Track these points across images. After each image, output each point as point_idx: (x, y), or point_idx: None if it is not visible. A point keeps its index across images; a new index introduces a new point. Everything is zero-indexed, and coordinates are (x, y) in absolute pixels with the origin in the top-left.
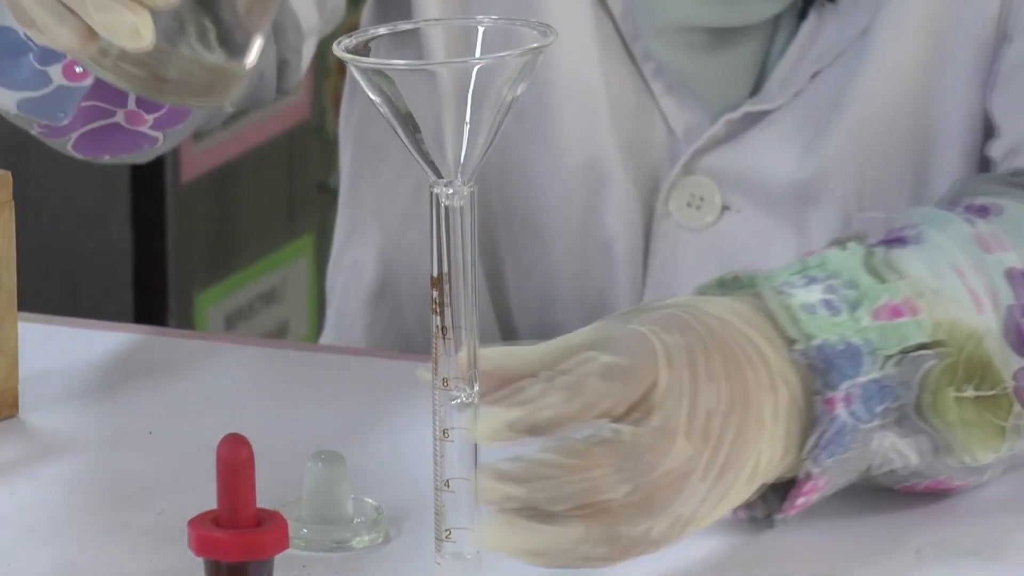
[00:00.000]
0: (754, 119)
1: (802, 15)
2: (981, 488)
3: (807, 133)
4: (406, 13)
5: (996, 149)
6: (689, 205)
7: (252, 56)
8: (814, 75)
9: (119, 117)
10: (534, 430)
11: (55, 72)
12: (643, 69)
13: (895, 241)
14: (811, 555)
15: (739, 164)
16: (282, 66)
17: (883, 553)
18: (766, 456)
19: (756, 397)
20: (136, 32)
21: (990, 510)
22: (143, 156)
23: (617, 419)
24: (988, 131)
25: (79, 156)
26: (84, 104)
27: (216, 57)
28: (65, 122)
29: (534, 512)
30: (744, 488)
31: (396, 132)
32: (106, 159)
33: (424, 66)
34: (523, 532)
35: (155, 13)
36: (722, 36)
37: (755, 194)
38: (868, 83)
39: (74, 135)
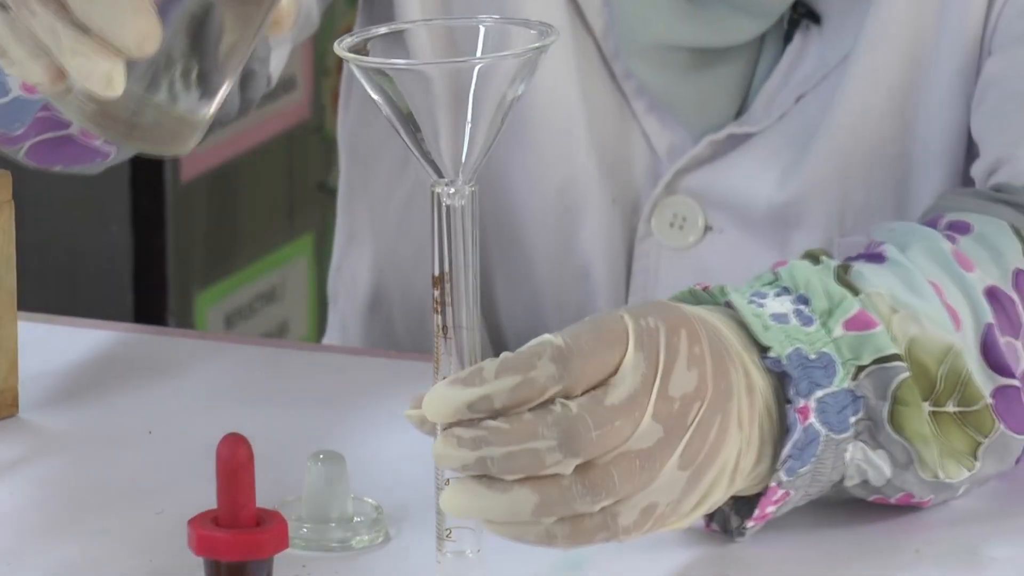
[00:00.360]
0: (737, 140)
1: (787, 38)
2: (979, 489)
3: (789, 156)
4: (389, 15)
5: (977, 169)
6: (672, 225)
7: (216, 105)
8: (799, 98)
9: (73, 129)
10: (491, 412)
11: (13, 83)
12: (624, 88)
13: (872, 257)
14: (811, 556)
15: (721, 185)
16: (247, 77)
17: (883, 553)
18: (745, 460)
19: (737, 395)
20: (108, 81)
21: (988, 510)
22: (94, 168)
23: (575, 399)
24: (970, 153)
25: (31, 165)
26: (39, 115)
27: (186, 103)
28: (20, 132)
29: (493, 481)
30: (724, 490)
31: (397, 131)
32: (57, 169)
33: (425, 65)
34: (479, 497)
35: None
36: (704, 57)
37: (737, 215)
38: (850, 106)
39: (27, 144)
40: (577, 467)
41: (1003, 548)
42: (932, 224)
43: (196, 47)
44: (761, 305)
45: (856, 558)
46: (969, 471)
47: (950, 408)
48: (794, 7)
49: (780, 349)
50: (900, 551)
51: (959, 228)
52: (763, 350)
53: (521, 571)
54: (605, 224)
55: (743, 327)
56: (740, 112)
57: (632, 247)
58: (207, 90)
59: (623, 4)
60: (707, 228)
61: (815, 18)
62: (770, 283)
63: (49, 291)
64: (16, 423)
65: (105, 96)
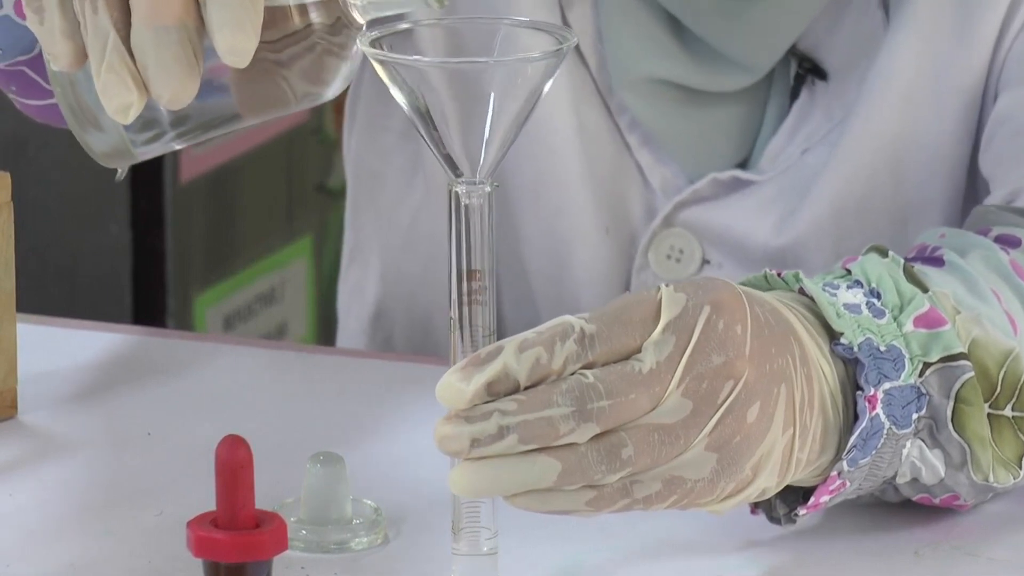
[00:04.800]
0: (740, 184)
1: (794, 94)
2: None
3: (788, 203)
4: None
5: (991, 203)
6: (669, 257)
7: (150, 155)
8: (804, 152)
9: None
10: (511, 391)
11: (8, 2)
12: (619, 121)
13: (931, 260)
14: (810, 557)
15: (719, 223)
16: None
17: (882, 555)
18: (804, 449)
19: (788, 381)
20: (125, 110)
21: (987, 512)
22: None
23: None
24: (968, 198)
25: None
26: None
27: (142, 146)
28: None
29: (506, 455)
30: (775, 477)
31: (417, 129)
32: (12, 93)
33: (447, 63)
34: (494, 468)
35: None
36: (698, 97)
37: (735, 252)
38: (850, 156)
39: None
40: (594, 436)
41: (1003, 549)
42: (981, 235)
43: (189, 123)
44: (834, 295)
45: (856, 559)
46: (1014, 479)
47: (1007, 412)
48: (800, 63)
49: (852, 336)
50: (900, 552)
51: (1009, 241)
52: (833, 338)
53: (536, 564)
54: (598, 253)
55: (813, 314)
56: (744, 163)
57: (629, 278)
58: (160, 147)
59: (615, 37)
60: (705, 262)
61: (821, 74)
62: (842, 276)
63: (48, 292)
64: (15, 425)
65: (112, 118)
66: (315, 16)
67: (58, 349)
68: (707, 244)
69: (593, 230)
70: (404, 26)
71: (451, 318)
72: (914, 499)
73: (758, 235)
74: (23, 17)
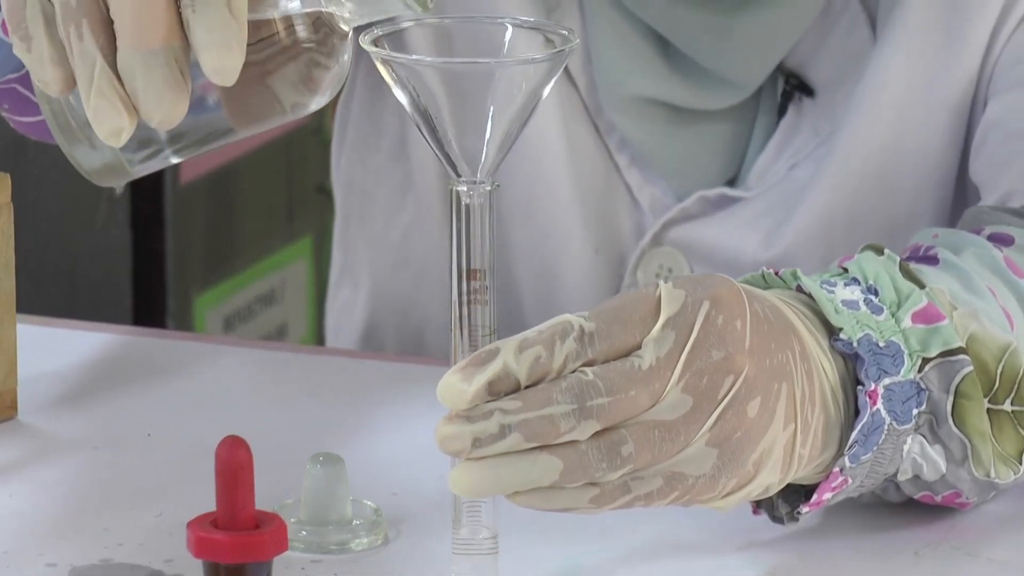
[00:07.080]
0: (727, 201)
1: (781, 110)
2: None
3: (775, 218)
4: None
5: None
6: (658, 276)
7: (146, 171)
8: (791, 167)
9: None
10: (511, 391)
11: None
12: (608, 141)
13: (925, 259)
14: (810, 557)
15: (707, 240)
16: None
17: (882, 555)
18: (806, 445)
19: (789, 377)
20: (117, 134)
21: (987, 512)
22: (30, 126)
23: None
24: (956, 206)
25: None
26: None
27: (138, 164)
28: None
29: (507, 454)
30: (777, 474)
31: (418, 128)
32: (4, 111)
33: (450, 63)
34: (495, 467)
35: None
36: (685, 116)
37: (722, 269)
38: (837, 170)
39: None
40: (595, 434)
41: (1003, 549)
42: (974, 234)
43: (184, 140)
44: (832, 292)
45: (856, 559)
46: (1015, 474)
47: (1006, 406)
48: (787, 80)
49: (851, 332)
50: (900, 553)
51: (1002, 239)
52: (832, 334)
53: (536, 559)
54: (587, 272)
55: (812, 312)
56: (733, 180)
57: None
58: (158, 163)
59: (603, 57)
60: None
61: (808, 91)
62: (839, 274)
63: (48, 293)
64: (15, 426)
65: (104, 141)
66: (300, 26)
67: (58, 349)
68: (695, 262)
69: (582, 249)
70: (406, 24)
71: (452, 317)
72: (916, 497)
73: (746, 251)
74: (6, 33)
